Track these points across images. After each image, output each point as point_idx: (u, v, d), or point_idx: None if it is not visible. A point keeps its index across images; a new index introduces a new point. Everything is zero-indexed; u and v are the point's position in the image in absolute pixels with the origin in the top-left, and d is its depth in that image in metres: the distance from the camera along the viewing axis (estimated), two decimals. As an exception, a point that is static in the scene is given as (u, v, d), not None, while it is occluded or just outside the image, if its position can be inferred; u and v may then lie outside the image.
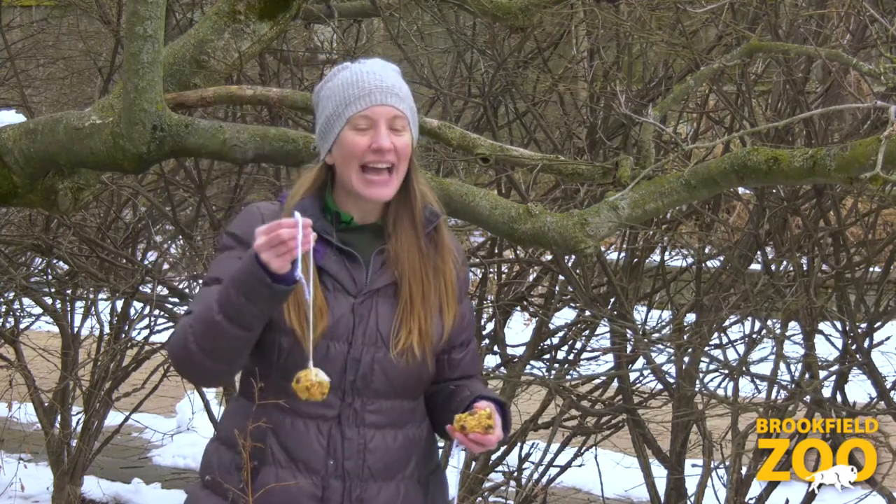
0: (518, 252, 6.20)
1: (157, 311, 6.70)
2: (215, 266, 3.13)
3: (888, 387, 5.29)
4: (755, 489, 5.51)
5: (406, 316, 3.11)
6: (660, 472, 5.79)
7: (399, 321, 3.10)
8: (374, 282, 3.12)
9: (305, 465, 3.07)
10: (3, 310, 7.44)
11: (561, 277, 5.97)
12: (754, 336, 5.43)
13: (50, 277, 7.20)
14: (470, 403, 3.10)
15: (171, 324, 6.83)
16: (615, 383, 6.03)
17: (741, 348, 5.51)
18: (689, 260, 6.07)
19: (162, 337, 7.00)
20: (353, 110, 3.07)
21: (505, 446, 6.15)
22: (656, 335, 5.77)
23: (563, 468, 6.21)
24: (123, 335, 6.92)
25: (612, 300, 5.78)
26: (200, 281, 3.29)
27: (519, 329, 7.41)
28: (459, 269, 3.22)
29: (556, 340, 6.24)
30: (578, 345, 6.25)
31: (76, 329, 7.15)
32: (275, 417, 3.05)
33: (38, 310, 7.34)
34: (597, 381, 6.17)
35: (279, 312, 3.03)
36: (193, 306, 3.09)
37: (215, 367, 3.04)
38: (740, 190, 5.52)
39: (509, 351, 6.19)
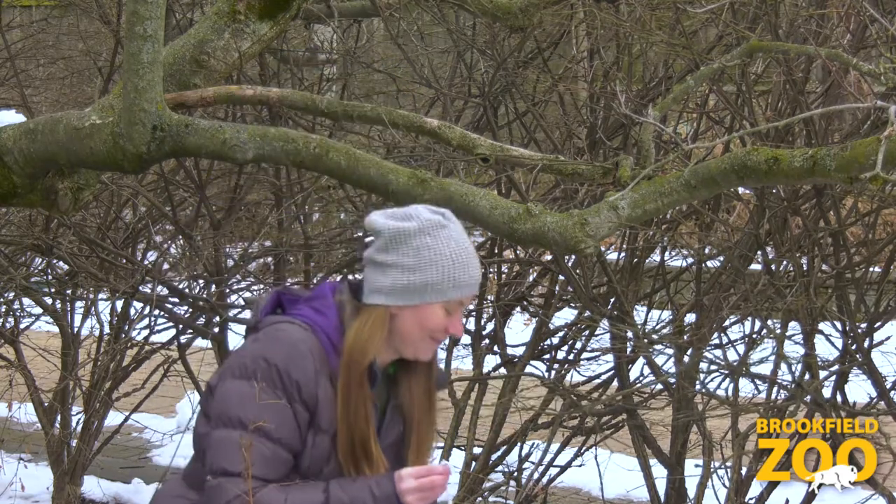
0: (518, 252, 6.19)
1: (157, 311, 6.70)
2: (277, 420, 2.90)
3: (888, 387, 5.29)
4: (755, 489, 5.51)
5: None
6: (660, 473, 5.79)
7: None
8: (387, 435, 3.08)
9: None
10: (3, 310, 7.44)
11: (561, 277, 5.97)
12: (754, 336, 5.43)
13: (50, 277, 7.19)
14: None
15: (170, 324, 6.82)
16: (615, 383, 6.03)
17: (741, 348, 5.51)
18: (689, 260, 6.07)
19: (162, 337, 7.01)
20: (457, 295, 3.00)
21: (505, 446, 6.16)
22: (656, 335, 5.77)
23: (563, 468, 6.21)
24: (123, 335, 6.91)
25: (612, 300, 5.78)
26: (240, 423, 2.92)
27: (519, 329, 7.41)
28: None
29: (556, 340, 6.24)
30: (578, 345, 6.25)
31: (76, 329, 7.15)
32: None
33: (38, 310, 7.33)
34: (597, 381, 6.17)
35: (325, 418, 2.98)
36: (234, 466, 2.87)
37: None
38: (740, 190, 5.52)
39: (509, 351, 6.19)
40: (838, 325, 5.29)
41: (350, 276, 3.11)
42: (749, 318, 5.48)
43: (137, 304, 6.90)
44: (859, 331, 5.25)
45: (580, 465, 6.26)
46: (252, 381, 2.91)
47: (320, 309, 3.00)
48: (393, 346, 3.02)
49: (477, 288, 3.03)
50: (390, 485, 2.92)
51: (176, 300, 6.60)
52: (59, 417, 7.07)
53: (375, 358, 2.98)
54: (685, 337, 5.48)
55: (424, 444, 3.10)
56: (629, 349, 5.73)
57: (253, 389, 2.89)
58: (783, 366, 5.33)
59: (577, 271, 5.69)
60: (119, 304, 6.98)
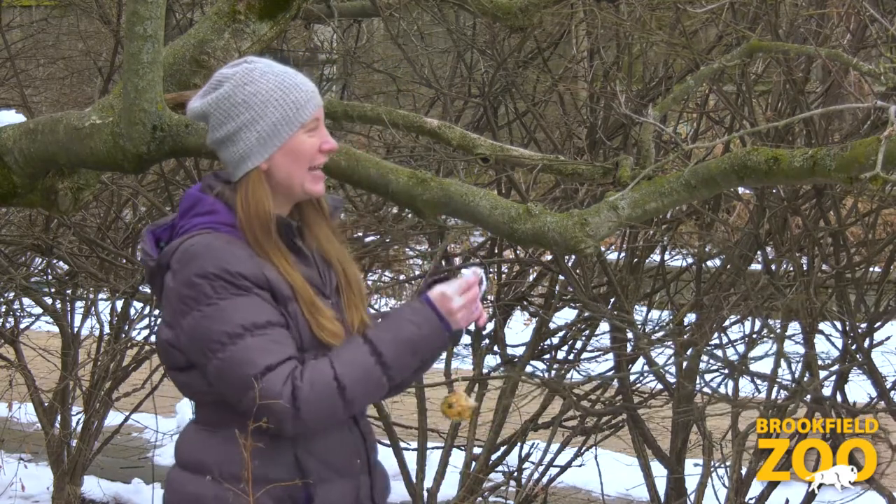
0: (518, 252, 6.19)
1: (157, 311, 6.70)
2: (252, 310, 2.86)
3: (888, 387, 5.29)
4: (755, 489, 5.51)
5: (354, 301, 3.08)
6: (660, 472, 5.79)
7: (349, 308, 3.07)
8: (330, 284, 3.08)
9: (345, 470, 3.02)
10: (3, 310, 7.44)
11: (561, 277, 5.97)
12: (754, 336, 5.43)
13: (50, 277, 7.19)
14: None
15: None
16: (615, 383, 6.03)
17: (741, 348, 5.51)
18: (689, 260, 6.07)
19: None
20: (308, 114, 3.00)
21: (505, 446, 6.16)
22: (656, 335, 5.77)
23: (563, 468, 6.21)
24: (123, 335, 6.92)
25: (612, 300, 5.78)
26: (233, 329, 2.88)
27: (519, 329, 7.41)
28: None
29: (556, 340, 6.24)
30: (578, 345, 6.25)
31: (76, 329, 7.15)
32: None
33: (38, 310, 7.34)
34: (597, 381, 6.17)
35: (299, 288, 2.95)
36: (265, 359, 2.83)
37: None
38: (740, 190, 5.52)
39: (509, 351, 6.19)
40: (838, 324, 5.29)
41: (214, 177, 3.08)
42: (749, 318, 5.48)
43: (137, 304, 6.90)
44: (859, 331, 5.25)
45: (580, 465, 6.26)
46: (205, 302, 2.87)
47: (206, 210, 2.98)
48: (284, 199, 3.01)
49: (318, 96, 3.02)
50: (428, 309, 2.92)
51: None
52: (59, 417, 7.08)
53: (275, 217, 2.96)
54: (685, 336, 5.48)
55: (356, 283, 3.08)
56: (629, 349, 5.73)
57: (213, 307, 2.86)
58: (783, 365, 5.33)
59: (577, 271, 5.69)
60: (119, 304, 6.99)
